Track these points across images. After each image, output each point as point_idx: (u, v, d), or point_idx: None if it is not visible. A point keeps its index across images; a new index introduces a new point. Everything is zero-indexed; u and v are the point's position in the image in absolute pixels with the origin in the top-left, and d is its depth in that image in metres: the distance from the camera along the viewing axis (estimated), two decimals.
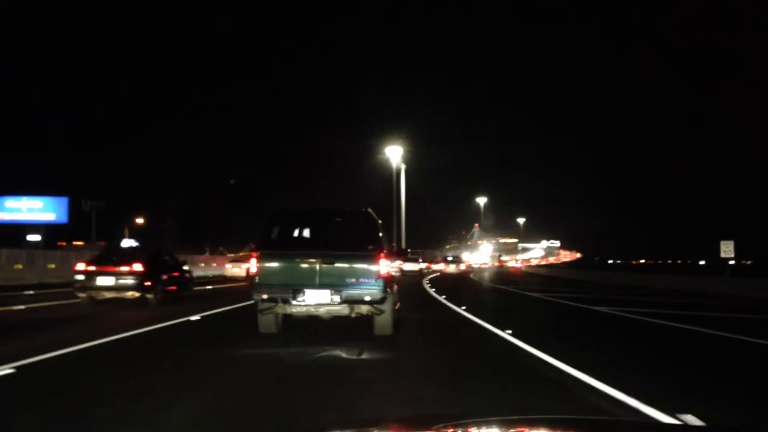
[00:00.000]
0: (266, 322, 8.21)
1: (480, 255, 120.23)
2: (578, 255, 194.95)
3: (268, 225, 8.56)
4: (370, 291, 7.68)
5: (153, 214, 65.92)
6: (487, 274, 53.76)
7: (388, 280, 7.93)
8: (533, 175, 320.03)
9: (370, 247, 7.98)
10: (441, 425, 1.87)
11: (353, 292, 7.69)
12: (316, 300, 7.69)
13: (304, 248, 8.20)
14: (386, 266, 7.88)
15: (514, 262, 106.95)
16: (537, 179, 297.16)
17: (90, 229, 54.39)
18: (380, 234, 8.49)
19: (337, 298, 7.67)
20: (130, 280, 12.08)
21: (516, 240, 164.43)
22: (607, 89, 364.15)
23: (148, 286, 12.33)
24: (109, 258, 12.80)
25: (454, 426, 1.88)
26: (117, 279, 12.06)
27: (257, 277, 7.78)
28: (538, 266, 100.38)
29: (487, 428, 1.94)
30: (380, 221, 8.79)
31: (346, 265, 7.79)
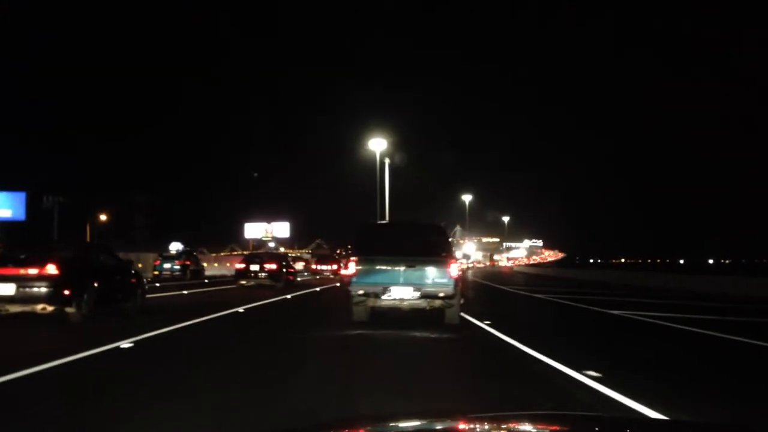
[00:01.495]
0: (359, 312, 9.83)
1: (465, 254, 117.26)
2: (561, 255, 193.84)
3: (363, 235, 10.84)
4: (443, 289, 9.32)
5: (121, 211, 61.64)
6: (488, 274, 51.17)
7: (457, 280, 9.52)
8: (513, 174, 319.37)
9: (443, 254, 9.73)
10: (439, 421, 2.05)
11: (429, 290, 9.33)
12: (400, 295, 9.37)
13: (391, 254, 9.70)
14: (456, 269, 9.59)
15: (505, 261, 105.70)
16: (518, 178, 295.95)
17: (51, 228, 50.26)
18: (450, 243, 10.37)
19: (417, 294, 9.31)
20: (39, 288, 8.58)
21: (498, 239, 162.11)
22: (596, 91, 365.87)
23: (68, 295, 8.83)
24: (13, 257, 9.26)
25: (450, 421, 2.02)
26: (20, 286, 8.54)
27: (355, 277, 9.50)
28: (528, 266, 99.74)
29: (483, 424, 1.98)
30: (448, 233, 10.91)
31: (424, 268, 9.41)
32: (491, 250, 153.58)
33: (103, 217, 50.48)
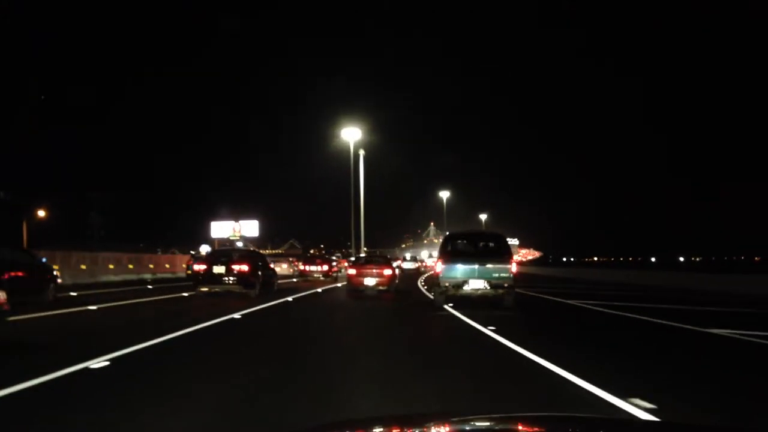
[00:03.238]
0: (440, 300, 13.48)
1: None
2: (538, 253, 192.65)
3: (445, 242, 14.66)
4: (506, 281, 12.94)
5: (73, 208, 56.14)
6: None
7: (516, 275, 13.43)
8: (489, 174, 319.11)
9: (506, 256, 13.47)
10: (437, 423, 1.99)
11: (496, 282, 12.94)
12: (475, 287, 13.04)
13: (467, 256, 13.69)
14: (515, 266, 13.47)
15: None
16: (492, 178, 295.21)
17: None
18: (510, 247, 14.21)
19: (487, 285, 12.97)
20: None
21: None
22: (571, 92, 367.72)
23: None
24: None
25: (448, 423, 1.97)
26: None
27: (442, 273, 13.29)
28: None
29: (480, 424, 2.00)
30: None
31: (492, 266, 13.06)
32: None
33: (41, 213, 44.85)
